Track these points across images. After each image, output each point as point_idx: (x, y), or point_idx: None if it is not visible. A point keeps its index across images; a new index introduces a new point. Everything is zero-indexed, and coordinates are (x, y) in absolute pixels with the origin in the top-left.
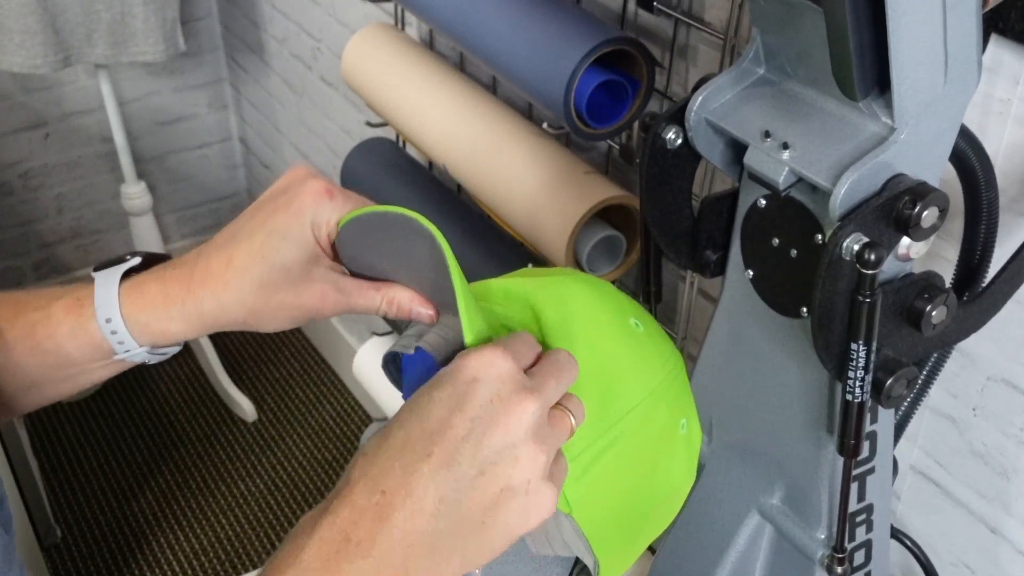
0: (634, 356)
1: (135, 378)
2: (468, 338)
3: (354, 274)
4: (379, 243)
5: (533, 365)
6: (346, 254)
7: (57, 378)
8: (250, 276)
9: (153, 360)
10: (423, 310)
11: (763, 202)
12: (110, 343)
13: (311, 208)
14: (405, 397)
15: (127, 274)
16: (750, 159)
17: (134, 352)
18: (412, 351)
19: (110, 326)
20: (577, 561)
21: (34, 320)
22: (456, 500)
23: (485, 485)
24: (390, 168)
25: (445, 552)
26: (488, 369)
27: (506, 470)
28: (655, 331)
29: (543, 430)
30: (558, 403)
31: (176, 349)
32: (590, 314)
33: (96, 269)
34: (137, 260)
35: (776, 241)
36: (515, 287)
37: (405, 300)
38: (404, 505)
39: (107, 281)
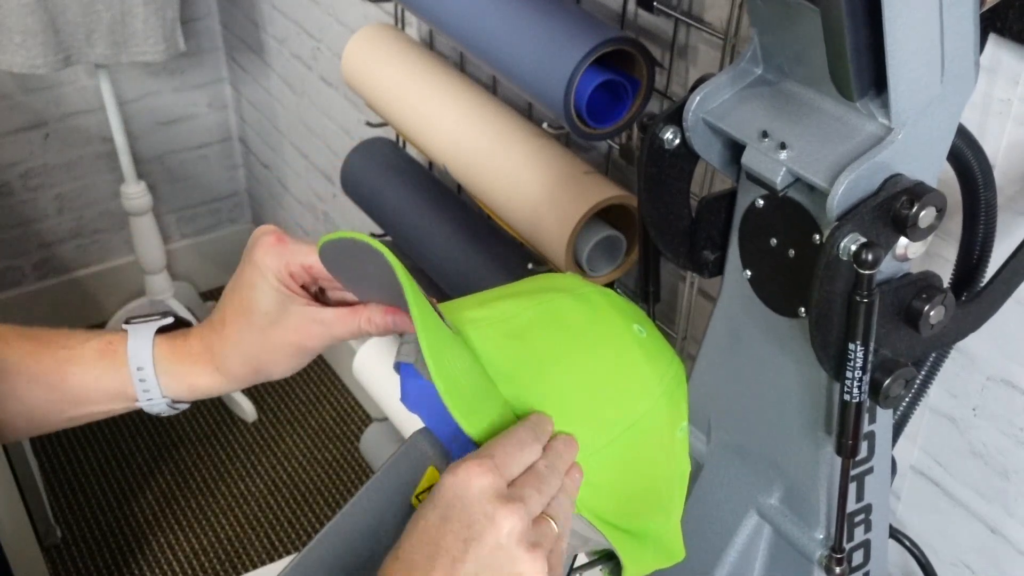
0: (639, 363)
1: None
2: (431, 365)
3: (334, 301)
4: (352, 266)
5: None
6: (335, 275)
7: (70, 415)
8: (239, 331)
9: (167, 413)
10: (399, 322)
11: (761, 202)
12: (135, 390)
13: (265, 257)
14: (402, 401)
15: (158, 331)
16: (748, 159)
17: (156, 402)
18: (406, 358)
19: (140, 374)
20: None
21: (62, 357)
22: None
23: None
24: (390, 168)
25: None
26: (467, 488)
27: None
28: (657, 336)
29: (533, 536)
30: (543, 511)
31: (186, 407)
32: (591, 331)
33: (126, 322)
34: (170, 319)
35: (774, 241)
36: (507, 317)
37: (378, 316)
38: None
39: (141, 333)
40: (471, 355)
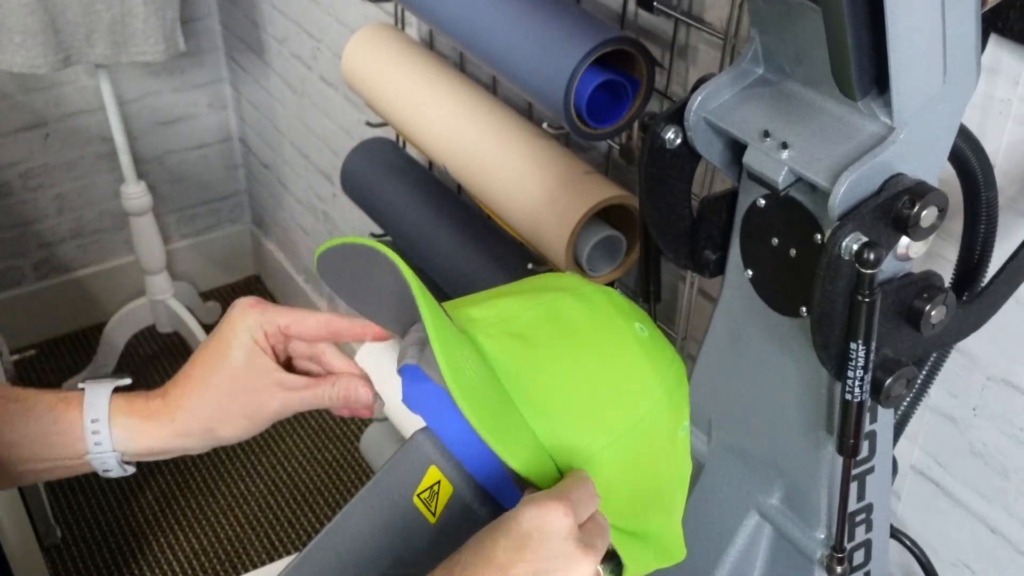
0: (641, 363)
1: (135, 378)
2: (443, 366)
3: (300, 371)
4: (353, 275)
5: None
6: (333, 288)
7: (19, 470)
8: (205, 382)
9: (115, 473)
10: (365, 398)
11: (762, 202)
12: (87, 443)
13: (241, 318)
14: (403, 402)
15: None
16: (749, 159)
17: (106, 455)
18: (410, 360)
19: (94, 426)
20: None
21: (12, 411)
22: None
23: None
24: (390, 168)
25: None
26: (551, 524)
27: None
28: (658, 336)
29: None
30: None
31: (133, 470)
32: (592, 330)
33: (83, 383)
34: (127, 381)
35: (775, 241)
36: (506, 314)
37: (342, 387)
38: None
39: (99, 388)
40: (479, 355)
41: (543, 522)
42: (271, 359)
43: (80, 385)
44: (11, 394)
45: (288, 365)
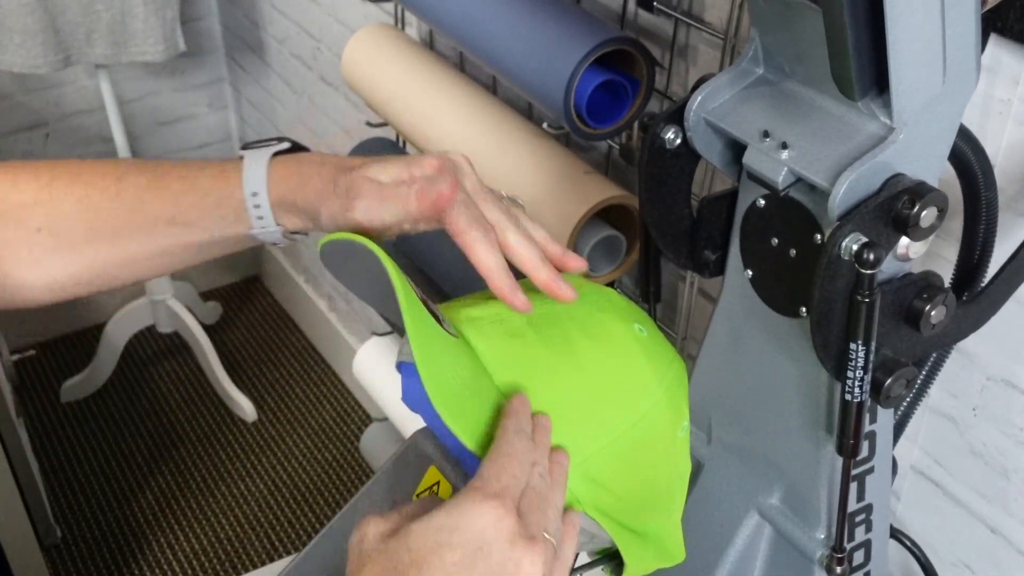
0: (640, 363)
1: (135, 378)
2: (426, 382)
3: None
4: (350, 266)
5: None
6: (333, 274)
7: (187, 249)
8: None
9: (282, 243)
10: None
11: (762, 202)
12: (250, 217)
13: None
14: (403, 400)
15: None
16: (749, 159)
17: (270, 230)
18: (408, 358)
19: (255, 199)
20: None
21: (178, 190)
22: None
23: None
24: None
25: None
26: (493, 532)
27: None
28: (658, 336)
29: (549, 564)
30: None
31: (304, 236)
32: (592, 330)
33: (243, 148)
34: (286, 144)
35: (775, 241)
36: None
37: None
38: None
39: (257, 158)
40: (470, 356)
41: (487, 533)
42: None
43: (240, 153)
44: (174, 171)
45: None
